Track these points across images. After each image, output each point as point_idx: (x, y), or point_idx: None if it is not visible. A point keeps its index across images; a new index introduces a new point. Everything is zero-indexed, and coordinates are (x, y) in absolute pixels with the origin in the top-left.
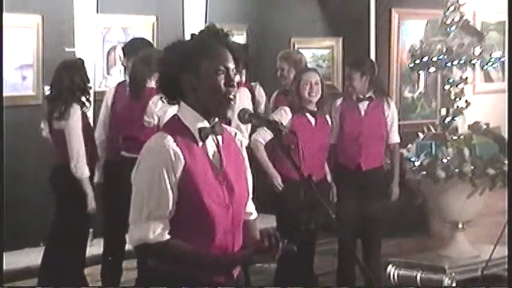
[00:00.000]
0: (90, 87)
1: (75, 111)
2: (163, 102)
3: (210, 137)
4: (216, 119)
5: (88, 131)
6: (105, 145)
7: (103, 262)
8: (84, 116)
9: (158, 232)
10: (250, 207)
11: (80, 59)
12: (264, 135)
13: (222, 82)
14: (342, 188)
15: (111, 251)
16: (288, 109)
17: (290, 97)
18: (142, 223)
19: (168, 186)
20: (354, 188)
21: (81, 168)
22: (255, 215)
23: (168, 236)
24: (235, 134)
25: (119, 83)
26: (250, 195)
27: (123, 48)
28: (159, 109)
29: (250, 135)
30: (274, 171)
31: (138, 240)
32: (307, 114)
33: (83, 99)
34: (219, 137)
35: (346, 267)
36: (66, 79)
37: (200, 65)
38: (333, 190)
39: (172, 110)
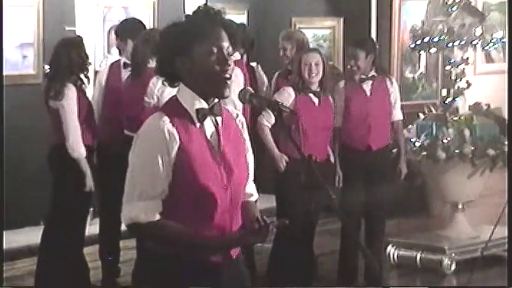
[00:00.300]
0: (90, 63)
1: (70, 91)
2: (164, 85)
3: (208, 118)
4: (216, 100)
5: (88, 109)
6: (98, 125)
7: (100, 242)
8: (83, 94)
9: (149, 212)
10: (251, 188)
11: (78, 36)
12: (270, 117)
13: (216, 62)
14: (351, 170)
15: (108, 230)
16: (291, 89)
17: (292, 77)
18: (134, 202)
19: (161, 167)
20: (363, 169)
21: (77, 148)
22: (255, 196)
23: (158, 216)
24: (237, 115)
25: (112, 64)
26: (251, 177)
27: (115, 30)
28: (158, 89)
29: (251, 115)
30: (280, 153)
31: (130, 219)
32: (310, 94)
33: (82, 76)
34: (219, 118)
35: (349, 249)
36: (64, 56)
37: (193, 47)
38: (339, 175)
39: (171, 89)
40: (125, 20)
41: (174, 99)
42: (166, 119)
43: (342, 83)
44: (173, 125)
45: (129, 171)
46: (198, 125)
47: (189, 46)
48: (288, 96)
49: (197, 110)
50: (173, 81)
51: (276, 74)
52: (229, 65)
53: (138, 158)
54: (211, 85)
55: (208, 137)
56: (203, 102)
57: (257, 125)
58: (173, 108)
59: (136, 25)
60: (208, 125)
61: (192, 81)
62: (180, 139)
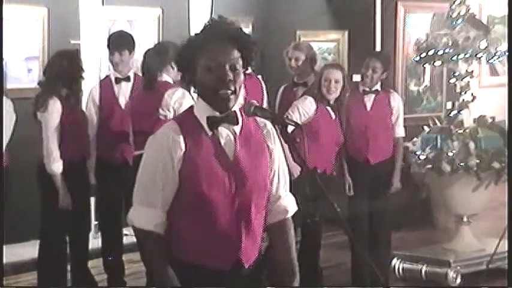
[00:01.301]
0: (82, 78)
1: (54, 105)
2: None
3: (223, 126)
4: (233, 108)
5: (78, 124)
6: (96, 142)
7: (103, 256)
8: (72, 108)
9: (146, 219)
10: (287, 201)
11: (76, 49)
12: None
13: (214, 79)
14: (354, 181)
15: (110, 245)
16: (312, 99)
17: (312, 89)
18: (135, 206)
19: (161, 174)
20: (365, 181)
21: (50, 164)
22: (291, 211)
23: (151, 227)
24: (265, 124)
25: (102, 81)
26: (284, 188)
27: (109, 44)
28: (175, 101)
29: None
30: (293, 163)
31: (130, 220)
32: (328, 108)
33: (72, 88)
34: (237, 127)
35: (356, 261)
36: (56, 66)
37: (195, 64)
38: (349, 182)
39: (188, 102)
40: (116, 33)
41: (189, 109)
42: (176, 127)
43: (346, 94)
44: (181, 132)
45: (137, 177)
46: (210, 133)
47: (192, 62)
48: (309, 105)
49: (208, 118)
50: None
51: (282, 87)
52: (229, 80)
53: (144, 165)
54: (213, 101)
55: (223, 145)
56: (215, 112)
57: None
58: (186, 117)
59: (129, 37)
60: (224, 133)
61: (201, 94)
62: (185, 146)
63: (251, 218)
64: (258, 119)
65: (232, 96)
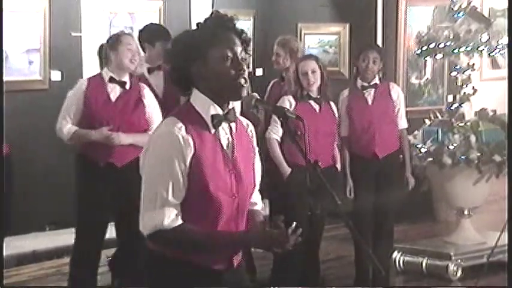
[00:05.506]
0: None
1: None
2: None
3: (223, 124)
4: (230, 106)
5: None
6: None
7: None
8: None
9: (172, 218)
10: (256, 197)
11: None
12: (278, 130)
13: (231, 67)
14: (361, 178)
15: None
16: (291, 98)
17: (292, 85)
18: (157, 210)
19: (179, 173)
20: (372, 177)
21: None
22: (260, 205)
23: (180, 221)
24: (247, 124)
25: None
26: (257, 186)
27: (139, 35)
28: None
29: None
30: (286, 166)
31: (154, 226)
32: (311, 101)
33: None
34: (233, 125)
35: (359, 254)
36: None
37: (207, 53)
38: (350, 185)
39: None
40: (150, 24)
41: (188, 105)
42: (181, 125)
43: (345, 92)
44: (188, 131)
45: (146, 179)
46: (212, 131)
47: (204, 51)
48: (288, 105)
49: (212, 115)
50: (186, 89)
51: (271, 82)
52: (244, 69)
53: (155, 165)
54: (227, 90)
55: (223, 144)
56: (218, 108)
57: (266, 139)
58: (187, 114)
59: (161, 31)
60: (223, 132)
61: (207, 86)
62: (194, 147)
63: (244, 215)
64: (241, 118)
65: (246, 84)
